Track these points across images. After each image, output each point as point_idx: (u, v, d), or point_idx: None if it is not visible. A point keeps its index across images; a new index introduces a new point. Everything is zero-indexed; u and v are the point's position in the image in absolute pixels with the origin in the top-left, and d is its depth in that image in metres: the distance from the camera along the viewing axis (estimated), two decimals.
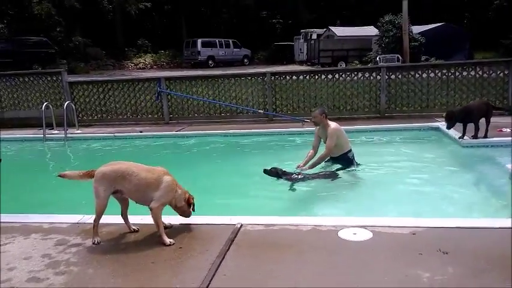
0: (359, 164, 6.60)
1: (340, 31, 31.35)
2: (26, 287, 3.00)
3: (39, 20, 31.48)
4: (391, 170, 6.57)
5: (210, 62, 34.27)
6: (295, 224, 3.99)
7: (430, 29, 26.84)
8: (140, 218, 4.07)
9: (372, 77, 10.70)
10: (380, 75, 10.54)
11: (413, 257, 3.24)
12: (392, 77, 10.56)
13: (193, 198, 3.95)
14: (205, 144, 9.18)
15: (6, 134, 10.39)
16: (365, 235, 3.67)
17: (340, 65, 25.92)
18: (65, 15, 30.93)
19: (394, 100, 10.63)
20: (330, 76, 10.93)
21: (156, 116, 11.41)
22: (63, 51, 29.32)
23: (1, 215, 4.42)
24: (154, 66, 35.26)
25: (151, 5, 34.05)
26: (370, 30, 29.49)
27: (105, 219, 4.06)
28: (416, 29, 26.11)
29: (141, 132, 10.13)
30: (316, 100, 10.90)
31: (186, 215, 3.98)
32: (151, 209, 3.68)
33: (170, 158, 8.56)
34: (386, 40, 25.68)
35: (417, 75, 10.51)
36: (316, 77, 11.05)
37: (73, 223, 4.12)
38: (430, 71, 10.58)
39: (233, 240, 3.66)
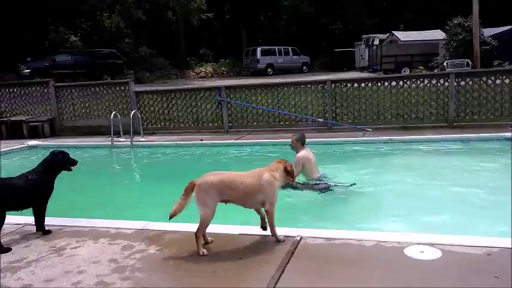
0: (351, 185, 6.25)
1: (404, 36, 30.30)
2: None
3: (109, 32, 33.49)
4: (462, 183, 6.19)
5: (269, 70, 34.49)
6: (358, 238, 3.84)
7: (504, 31, 25.11)
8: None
9: (439, 84, 10.18)
10: (448, 82, 10.00)
11: (488, 280, 2.99)
12: (462, 83, 9.98)
13: (290, 166, 4.03)
14: (264, 153, 9.19)
15: (78, 141, 11.10)
16: (433, 254, 3.45)
17: (404, 71, 24.99)
18: (132, 27, 32.62)
19: (464, 108, 10.03)
20: (393, 83, 10.54)
21: (216, 124, 11.62)
22: (130, 61, 30.87)
23: (72, 219, 4.69)
24: (215, 75, 36.10)
25: (213, 15, 34.96)
26: (437, 34, 28.19)
27: (169, 226, 4.19)
28: (488, 31, 24.57)
29: (201, 140, 10.36)
30: (378, 108, 10.56)
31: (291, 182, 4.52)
32: (267, 212, 3.81)
33: (229, 166, 8.66)
34: (455, 44, 24.42)
35: (490, 82, 9.84)
36: (379, 84, 10.71)
37: (138, 229, 4.26)
38: (504, 77, 9.87)
39: (293, 253, 3.59)
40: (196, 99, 11.75)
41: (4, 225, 4.48)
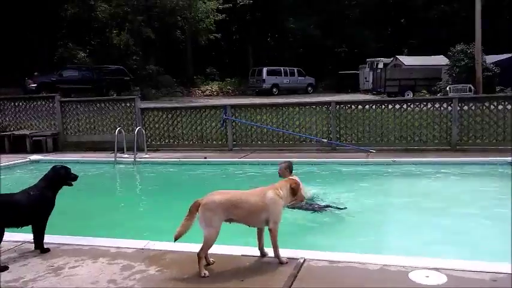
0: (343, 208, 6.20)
1: (407, 60, 30.57)
2: None
3: (118, 49, 33.90)
4: (464, 206, 6.11)
5: (274, 90, 34.71)
6: (362, 262, 3.76)
7: (505, 58, 25.38)
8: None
9: (442, 108, 10.20)
10: (451, 106, 10.02)
11: None
12: (465, 108, 9.99)
13: (295, 183, 3.93)
14: (267, 172, 9.14)
15: (81, 156, 11.08)
16: (439, 279, 3.38)
17: (407, 95, 25.10)
18: (141, 45, 33.03)
19: (467, 132, 10.02)
20: (397, 106, 10.58)
21: (220, 142, 11.61)
22: (137, 78, 31.16)
23: (71, 237, 4.63)
24: (221, 94, 36.32)
25: (221, 35, 35.41)
26: (440, 60, 28.43)
27: (170, 246, 4.13)
28: (490, 58, 24.79)
29: (205, 158, 10.33)
30: (382, 130, 10.55)
31: (300, 201, 4.30)
32: (270, 231, 3.75)
33: (232, 184, 8.60)
34: (458, 70, 24.62)
35: (492, 107, 9.86)
36: (383, 106, 10.72)
37: (138, 249, 4.20)
38: (506, 103, 9.91)
39: (296, 276, 3.52)
40: (201, 117, 11.77)
41: (2, 243, 4.44)
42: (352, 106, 10.99)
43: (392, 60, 31.82)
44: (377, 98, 25.00)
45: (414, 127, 10.34)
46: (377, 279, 3.45)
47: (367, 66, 34.20)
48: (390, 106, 10.63)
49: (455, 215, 5.94)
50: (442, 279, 3.37)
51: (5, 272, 3.77)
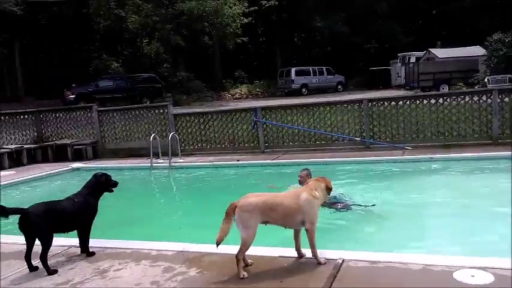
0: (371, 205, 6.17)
1: (441, 53, 29.69)
2: None
3: (148, 58, 34.73)
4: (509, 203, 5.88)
5: (303, 90, 34.57)
6: (403, 262, 3.70)
7: None
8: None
9: (481, 101, 9.84)
10: (491, 99, 9.65)
11: None
12: (506, 99, 9.60)
13: (330, 183, 4.04)
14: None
15: (119, 163, 11.43)
16: (485, 278, 3.27)
17: (443, 89, 24.37)
18: (171, 52, 33.71)
19: (510, 125, 9.62)
20: (432, 101, 10.30)
21: (252, 144, 11.67)
22: (168, 85, 31.80)
23: (115, 240, 4.78)
24: (250, 96, 36.51)
25: (247, 39, 35.63)
26: (476, 51, 27.47)
27: (208, 248, 4.21)
28: None
29: (238, 161, 10.42)
30: (418, 126, 10.30)
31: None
32: (307, 231, 3.78)
33: (265, 185, 8.63)
34: (496, 60, 23.71)
35: None
36: (418, 102, 10.48)
37: (178, 251, 4.29)
38: None
39: (335, 277, 3.50)
40: (232, 120, 11.88)
41: (51, 247, 4.65)
42: (385, 103, 10.78)
43: (425, 54, 31.02)
44: (410, 93, 24.43)
45: (452, 122, 10.02)
46: (420, 280, 3.39)
47: (398, 61, 33.50)
48: (425, 101, 10.36)
49: (498, 213, 5.72)
50: (488, 278, 3.26)
51: (55, 275, 3.95)
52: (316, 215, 3.83)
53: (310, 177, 6.35)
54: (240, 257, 3.67)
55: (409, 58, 32.05)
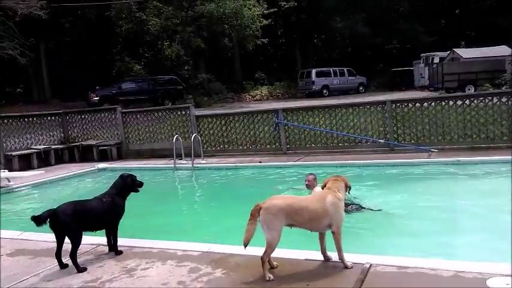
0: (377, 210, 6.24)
1: (466, 53, 29.03)
2: None
3: (169, 60, 35.10)
4: None
5: (324, 91, 34.36)
6: (433, 268, 3.61)
7: None
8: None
9: (510, 102, 9.58)
10: None
11: None
12: None
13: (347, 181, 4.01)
14: (322, 175, 9.03)
15: (143, 163, 11.58)
16: None
17: (469, 90, 23.83)
18: (191, 54, 34.00)
19: None
20: (459, 102, 10.06)
21: (274, 146, 11.65)
22: (189, 87, 32.08)
23: (141, 240, 4.84)
24: (270, 98, 36.50)
25: (267, 41, 35.65)
26: (502, 50, 26.74)
27: (233, 249, 4.22)
28: None
29: (260, 162, 10.42)
30: (444, 128, 10.09)
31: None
32: (333, 233, 3.75)
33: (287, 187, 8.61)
34: None
35: None
36: (443, 103, 10.26)
37: (203, 251, 4.31)
38: None
39: (363, 281, 3.46)
40: (254, 121, 11.89)
41: (80, 246, 4.74)
42: (409, 104, 10.59)
43: (449, 54, 30.38)
44: (435, 94, 23.99)
45: (479, 124, 9.75)
46: (451, 287, 3.31)
47: (421, 61, 32.91)
48: (451, 102, 10.13)
49: None
50: None
51: (85, 273, 4.03)
52: (342, 217, 3.80)
53: (316, 180, 6.57)
54: (265, 259, 3.66)
55: (433, 58, 31.46)
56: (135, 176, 4.73)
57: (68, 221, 4.04)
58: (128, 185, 4.59)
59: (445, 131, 10.05)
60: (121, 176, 4.69)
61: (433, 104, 10.37)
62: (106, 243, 4.57)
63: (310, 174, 6.99)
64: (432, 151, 9.61)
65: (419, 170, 8.65)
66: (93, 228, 4.37)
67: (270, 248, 3.66)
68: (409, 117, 10.44)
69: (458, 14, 40.26)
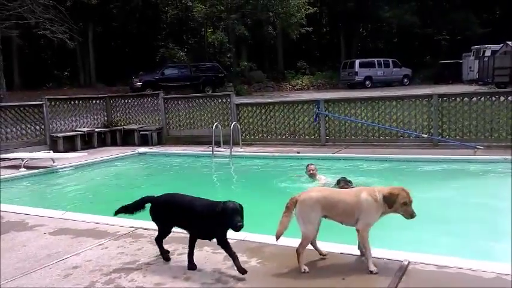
0: None
1: None
2: None
3: (212, 47, 35.35)
4: None
5: (367, 83, 33.62)
6: (474, 269, 3.48)
7: None
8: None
9: None
10: None
11: None
12: None
13: (394, 195, 3.52)
14: (361, 168, 8.90)
15: (182, 149, 11.81)
16: None
17: None
18: (234, 42, 34.09)
19: None
20: (510, 98, 9.56)
21: (313, 137, 11.54)
22: (230, 75, 32.24)
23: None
24: (311, 87, 36.12)
25: (312, 29, 35.12)
26: None
27: (268, 239, 4.22)
28: None
29: (298, 153, 10.35)
30: (492, 125, 9.63)
31: (409, 214, 3.55)
32: (357, 231, 3.66)
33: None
34: None
35: None
36: (493, 98, 9.78)
37: (239, 239, 4.33)
38: None
39: (400, 279, 3.37)
40: (294, 111, 11.80)
41: (119, 228, 4.90)
42: (457, 98, 10.16)
43: (502, 47, 28.77)
44: (484, 89, 22.90)
45: None
46: None
47: (472, 54, 31.43)
48: (502, 98, 9.65)
49: None
50: None
51: (123, 255, 4.14)
52: (371, 218, 3.61)
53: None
54: (300, 251, 3.63)
55: (484, 51, 29.96)
56: (239, 216, 3.57)
57: (155, 211, 3.98)
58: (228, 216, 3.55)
59: (493, 127, 9.61)
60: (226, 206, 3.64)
61: (482, 99, 9.90)
62: (144, 227, 4.68)
63: (311, 164, 7.46)
64: (478, 148, 9.20)
65: (463, 167, 8.33)
66: (180, 225, 3.98)
67: (306, 240, 3.64)
68: (455, 112, 10.04)
69: None
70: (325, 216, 3.73)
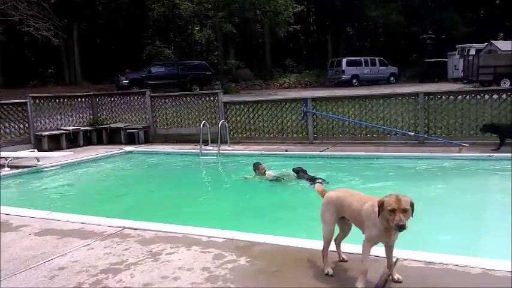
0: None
1: (504, 45, 27.88)
2: None
3: (200, 45, 35.16)
4: None
5: (354, 81, 33.84)
6: (461, 264, 3.51)
7: None
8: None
9: None
10: None
11: None
12: None
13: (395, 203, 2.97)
14: (348, 166, 8.94)
15: (170, 147, 11.74)
16: None
17: (504, 83, 23.02)
18: (222, 40, 33.95)
19: None
20: (495, 96, 9.71)
21: (301, 135, 11.57)
22: (218, 73, 32.11)
23: (166, 224, 4.88)
24: (299, 86, 36.18)
25: (300, 27, 35.13)
26: None
27: (257, 237, 4.21)
28: None
29: (286, 151, 10.36)
30: (477, 123, 9.76)
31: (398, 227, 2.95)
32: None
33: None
34: None
35: None
36: (479, 97, 9.92)
37: (228, 238, 4.31)
38: None
39: (389, 275, 3.38)
40: (282, 110, 11.81)
41: (106, 228, 4.84)
42: (443, 97, 10.28)
43: (486, 46, 29.28)
44: (468, 87, 23.25)
45: None
46: (480, 285, 3.21)
47: (456, 53, 31.90)
48: (487, 96, 9.79)
49: None
50: None
51: (110, 255, 4.08)
52: (372, 231, 3.20)
53: None
54: (322, 252, 3.57)
55: (469, 50, 30.41)
56: None
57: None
58: None
59: (478, 125, 9.72)
60: None
61: (467, 97, 10.04)
62: (132, 226, 4.64)
63: (260, 163, 8.26)
64: (463, 145, 9.32)
65: (448, 164, 8.43)
66: None
67: (324, 240, 3.56)
68: (441, 110, 10.17)
69: (499, 4, 38.61)
70: (344, 218, 3.60)
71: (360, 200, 3.46)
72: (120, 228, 4.82)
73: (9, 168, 9.16)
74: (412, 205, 3.01)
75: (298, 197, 7.15)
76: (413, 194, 6.14)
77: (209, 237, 4.40)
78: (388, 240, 3.25)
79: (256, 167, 8.23)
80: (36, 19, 21.20)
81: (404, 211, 2.94)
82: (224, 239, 4.29)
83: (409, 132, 10.32)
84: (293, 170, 8.02)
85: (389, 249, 3.36)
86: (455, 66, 31.84)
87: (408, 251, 3.87)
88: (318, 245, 4.00)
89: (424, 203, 6.10)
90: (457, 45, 32.27)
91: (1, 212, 5.75)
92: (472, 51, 29.86)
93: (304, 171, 7.85)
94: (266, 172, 8.25)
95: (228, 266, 3.68)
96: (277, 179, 8.00)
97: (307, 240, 4.17)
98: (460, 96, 10.16)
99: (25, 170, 9.36)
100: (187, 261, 3.78)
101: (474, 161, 8.39)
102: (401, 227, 2.91)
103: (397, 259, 3.66)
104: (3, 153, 10.02)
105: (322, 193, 3.72)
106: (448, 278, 3.35)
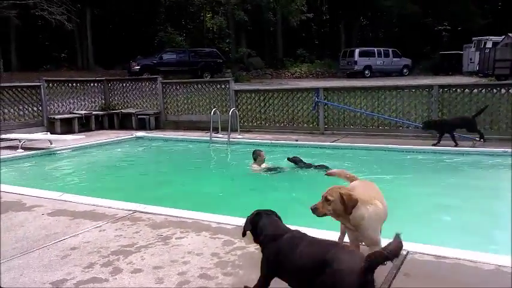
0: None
1: None
2: (198, 283, 3.23)
3: (211, 33, 35.01)
4: None
5: (366, 72, 33.48)
6: (473, 260, 3.48)
7: None
8: None
9: None
10: None
11: None
12: None
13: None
14: (359, 157, 8.88)
15: (180, 134, 11.77)
16: None
17: None
18: (234, 28, 33.77)
19: None
20: (511, 91, 9.54)
21: (311, 125, 11.50)
22: (229, 61, 31.99)
23: (176, 209, 4.91)
24: (310, 76, 35.92)
25: (312, 15, 34.76)
26: None
27: None
28: None
29: (296, 140, 10.32)
30: (492, 117, 9.61)
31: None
32: None
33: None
34: None
35: None
36: (495, 90, 9.75)
37: (237, 225, 4.31)
38: None
39: (399, 269, 3.37)
40: (293, 99, 11.74)
41: (117, 210, 4.89)
42: (458, 90, 10.12)
43: (503, 39, 28.65)
44: (484, 80, 22.86)
45: None
46: (492, 282, 3.18)
47: (472, 45, 31.31)
48: (503, 90, 9.62)
49: None
50: None
51: (121, 237, 4.12)
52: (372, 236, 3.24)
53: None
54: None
55: (485, 43, 29.83)
56: None
57: None
58: None
59: (492, 120, 9.57)
60: None
61: (483, 91, 9.86)
62: (142, 210, 4.67)
63: (261, 150, 8.15)
64: (477, 140, 9.19)
65: (461, 159, 8.33)
66: None
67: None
68: (456, 103, 10.01)
69: None
70: None
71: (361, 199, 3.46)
72: (130, 212, 4.87)
73: (22, 150, 9.28)
74: (343, 197, 3.05)
75: (304, 185, 7.15)
76: (422, 188, 6.13)
77: (218, 223, 4.42)
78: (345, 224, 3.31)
79: (258, 153, 8.04)
80: (50, 3, 21.24)
81: (326, 200, 3.09)
82: (233, 226, 4.30)
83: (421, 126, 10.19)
84: (289, 159, 7.96)
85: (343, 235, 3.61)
86: (470, 59, 31.30)
87: (419, 244, 3.84)
88: (328, 235, 4.00)
89: (433, 197, 6.08)
90: (473, 38, 31.69)
91: (10, 192, 5.85)
92: (489, 44, 29.30)
93: (301, 160, 7.89)
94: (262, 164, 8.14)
95: (237, 253, 3.70)
96: (277, 169, 7.92)
97: (317, 229, 4.15)
98: (475, 90, 9.99)
99: (38, 152, 9.47)
100: (196, 246, 3.81)
101: (488, 156, 8.28)
102: (312, 210, 3.15)
103: (408, 252, 3.64)
104: (17, 135, 10.14)
105: (351, 179, 3.72)
106: (460, 273, 3.32)
